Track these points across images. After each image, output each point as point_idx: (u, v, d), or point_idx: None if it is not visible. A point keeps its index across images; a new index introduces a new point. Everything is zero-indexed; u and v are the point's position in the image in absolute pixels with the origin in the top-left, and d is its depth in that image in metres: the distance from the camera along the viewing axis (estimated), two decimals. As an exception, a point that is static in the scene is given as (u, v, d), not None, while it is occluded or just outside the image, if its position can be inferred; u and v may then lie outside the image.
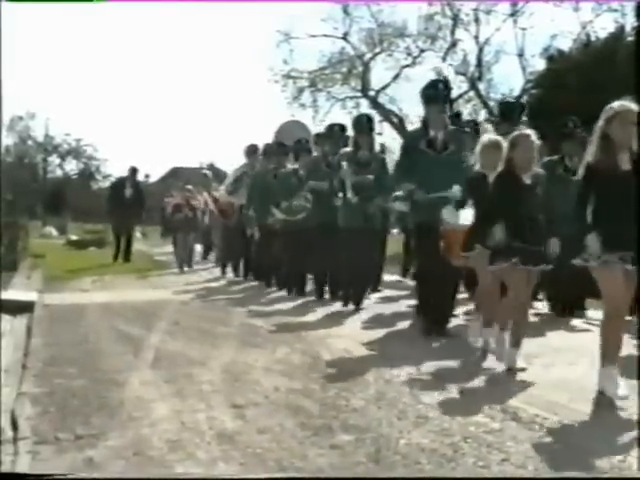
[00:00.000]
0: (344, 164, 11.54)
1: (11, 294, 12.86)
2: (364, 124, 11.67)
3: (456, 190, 8.79)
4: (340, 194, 11.45)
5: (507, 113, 10.81)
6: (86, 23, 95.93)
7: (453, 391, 6.48)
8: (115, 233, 22.36)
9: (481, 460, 4.66)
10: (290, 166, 14.46)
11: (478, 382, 6.93)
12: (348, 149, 12.06)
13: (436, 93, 9.37)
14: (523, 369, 7.14)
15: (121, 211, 21.61)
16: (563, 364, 7.58)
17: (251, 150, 16.71)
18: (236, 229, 17.00)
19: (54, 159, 74.19)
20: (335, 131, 13.16)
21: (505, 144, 7.60)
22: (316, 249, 12.62)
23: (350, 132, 12.89)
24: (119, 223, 21.98)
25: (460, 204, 8.62)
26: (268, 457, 4.78)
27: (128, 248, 21.97)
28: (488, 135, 8.59)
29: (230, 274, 18.01)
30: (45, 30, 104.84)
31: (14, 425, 5.50)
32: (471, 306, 9.61)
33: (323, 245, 12.28)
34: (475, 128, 11.45)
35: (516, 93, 31.31)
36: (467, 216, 8.41)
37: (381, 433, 5.23)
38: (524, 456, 4.74)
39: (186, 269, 19.44)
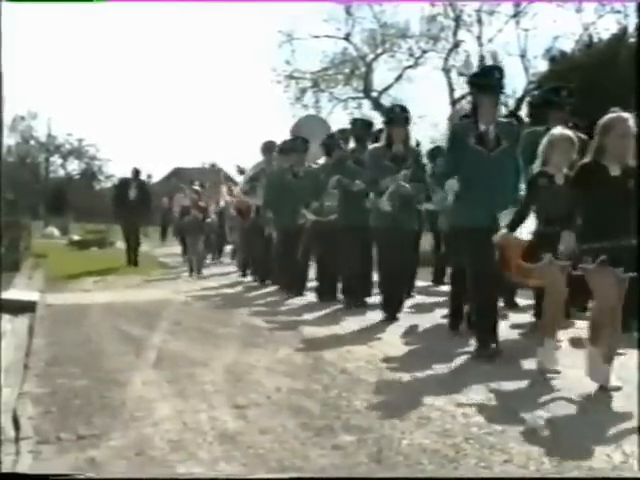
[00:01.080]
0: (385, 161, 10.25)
1: (13, 294, 12.87)
2: (398, 115, 10.43)
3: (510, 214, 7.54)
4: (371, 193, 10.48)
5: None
6: (89, 23, 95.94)
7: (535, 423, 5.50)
8: (125, 235, 21.27)
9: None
10: (319, 162, 13.46)
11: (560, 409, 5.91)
12: (378, 144, 10.73)
13: (491, 81, 8.04)
14: (618, 388, 6.27)
15: (126, 212, 20.79)
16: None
17: (268, 147, 15.73)
18: (254, 230, 15.88)
19: (56, 159, 74.19)
20: (361, 125, 12.44)
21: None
22: (348, 252, 11.67)
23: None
24: (126, 224, 21.11)
25: (520, 217, 7.37)
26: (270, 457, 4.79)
27: (135, 250, 20.99)
28: (559, 129, 7.45)
29: (248, 277, 17.07)
30: (47, 30, 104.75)
31: (16, 425, 5.51)
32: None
33: (355, 248, 11.50)
34: (518, 122, 9.97)
35: (519, 94, 31.31)
36: (527, 227, 7.39)
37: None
38: None
39: (194, 274, 18.05)
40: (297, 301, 12.80)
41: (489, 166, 7.92)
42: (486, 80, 8.07)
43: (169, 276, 18.40)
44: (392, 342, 8.82)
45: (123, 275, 17.73)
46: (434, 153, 13.08)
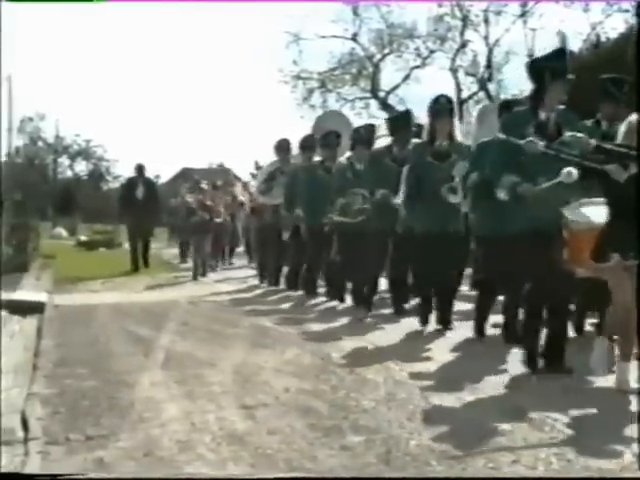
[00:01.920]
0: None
1: (21, 295, 12.88)
2: (443, 106, 9.43)
3: (570, 174, 6.54)
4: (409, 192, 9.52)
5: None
6: (96, 24, 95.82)
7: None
8: (131, 238, 20.06)
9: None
10: (343, 158, 12.36)
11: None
12: (419, 140, 9.98)
13: (563, 64, 7.11)
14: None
15: (134, 213, 19.41)
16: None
17: (283, 145, 15.04)
18: (269, 231, 15.17)
19: (64, 160, 74.41)
20: (403, 119, 11.46)
21: None
22: (382, 257, 11.02)
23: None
24: (134, 226, 19.79)
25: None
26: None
27: (146, 252, 20.00)
28: (635, 116, 6.69)
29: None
30: (55, 31, 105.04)
31: (25, 426, 5.51)
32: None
33: (393, 252, 10.89)
34: None
35: (527, 94, 31.24)
36: (599, 213, 6.62)
37: None
38: None
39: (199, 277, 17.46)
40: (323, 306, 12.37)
41: (550, 159, 6.83)
42: (557, 63, 7.09)
43: (179, 280, 17.57)
44: (444, 360, 7.87)
45: (131, 277, 17.62)
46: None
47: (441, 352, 8.18)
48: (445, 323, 9.41)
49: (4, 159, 37.01)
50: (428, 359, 7.89)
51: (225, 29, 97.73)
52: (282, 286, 14.88)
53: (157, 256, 23.56)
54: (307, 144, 13.92)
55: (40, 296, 12.83)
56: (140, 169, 20.14)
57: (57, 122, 74.94)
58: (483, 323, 8.94)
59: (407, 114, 11.79)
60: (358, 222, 10.71)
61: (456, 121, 9.91)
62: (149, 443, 5.05)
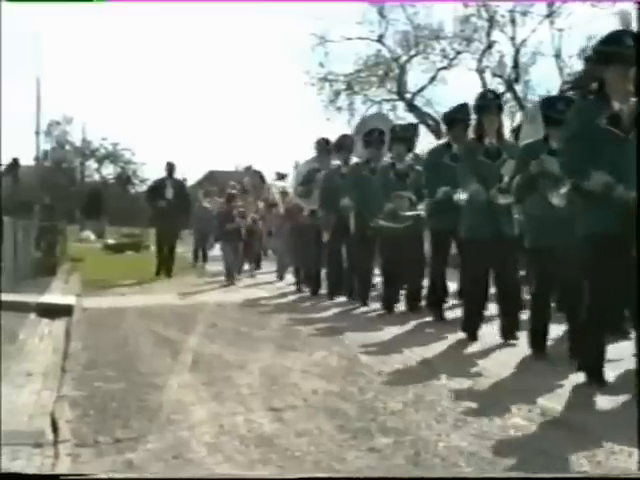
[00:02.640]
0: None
1: (50, 298, 12.97)
2: (490, 101, 8.83)
3: None
4: (463, 194, 8.83)
5: None
6: (123, 26, 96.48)
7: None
8: (158, 242, 19.35)
9: None
10: (386, 159, 11.94)
11: None
12: (469, 138, 9.39)
13: (624, 49, 6.36)
14: None
15: (162, 216, 18.47)
16: None
17: (323, 144, 14.31)
18: (308, 235, 14.29)
19: (91, 163, 74.86)
20: (462, 112, 10.50)
21: None
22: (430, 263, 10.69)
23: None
24: (162, 230, 18.96)
25: None
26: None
27: (170, 259, 18.72)
28: None
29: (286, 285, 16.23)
30: (83, 34, 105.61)
31: (54, 428, 5.53)
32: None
33: (438, 259, 10.54)
34: None
35: (553, 94, 31.10)
36: None
37: None
38: None
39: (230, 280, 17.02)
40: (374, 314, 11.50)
41: (626, 153, 6.24)
42: (617, 47, 6.41)
43: (209, 285, 17.00)
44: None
45: (159, 281, 17.59)
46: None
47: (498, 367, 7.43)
48: (508, 335, 8.58)
49: (32, 162, 37.26)
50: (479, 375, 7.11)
51: (252, 31, 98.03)
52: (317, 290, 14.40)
53: (185, 259, 23.37)
54: (343, 144, 13.51)
55: (68, 299, 12.92)
56: (170, 168, 19.17)
57: (84, 125, 75.28)
58: (541, 338, 7.87)
59: (466, 107, 10.48)
60: (404, 227, 10.52)
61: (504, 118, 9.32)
62: (178, 445, 5.06)
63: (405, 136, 11.51)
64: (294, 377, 7.06)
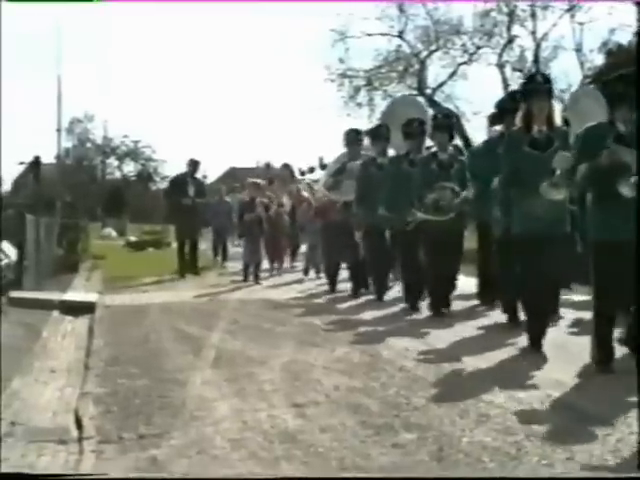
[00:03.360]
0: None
1: (72, 295, 13.03)
2: (540, 85, 7.90)
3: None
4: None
5: None
6: (142, 24, 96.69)
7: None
8: (179, 242, 18.14)
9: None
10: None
11: None
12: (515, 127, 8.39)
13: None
14: None
15: (183, 213, 17.45)
16: None
17: (352, 136, 13.57)
18: (341, 232, 13.24)
19: (112, 161, 75.01)
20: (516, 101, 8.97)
21: None
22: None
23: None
24: (183, 228, 17.92)
25: None
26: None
27: (194, 257, 17.99)
28: None
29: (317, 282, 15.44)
30: (103, 31, 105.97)
31: (78, 425, 5.55)
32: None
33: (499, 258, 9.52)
34: None
35: (574, 89, 30.97)
36: None
37: None
38: None
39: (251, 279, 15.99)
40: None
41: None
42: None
43: (231, 284, 15.94)
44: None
45: (181, 279, 17.08)
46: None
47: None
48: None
49: (54, 160, 37.40)
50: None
51: (272, 28, 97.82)
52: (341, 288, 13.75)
53: (206, 257, 22.37)
54: (379, 134, 12.57)
55: (91, 296, 12.97)
56: (194, 165, 18.21)
57: (105, 123, 75.39)
58: (606, 351, 7.01)
59: (514, 94, 9.65)
60: (447, 220, 9.89)
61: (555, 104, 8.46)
62: (202, 441, 5.06)
63: (447, 124, 10.96)
64: (322, 376, 7.04)
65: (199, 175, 19.71)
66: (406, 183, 10.72)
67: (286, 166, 22.46)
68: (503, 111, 9.96)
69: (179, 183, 18.18)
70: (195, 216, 17.77)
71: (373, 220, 11.86)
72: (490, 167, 9.27)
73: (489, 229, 9.79)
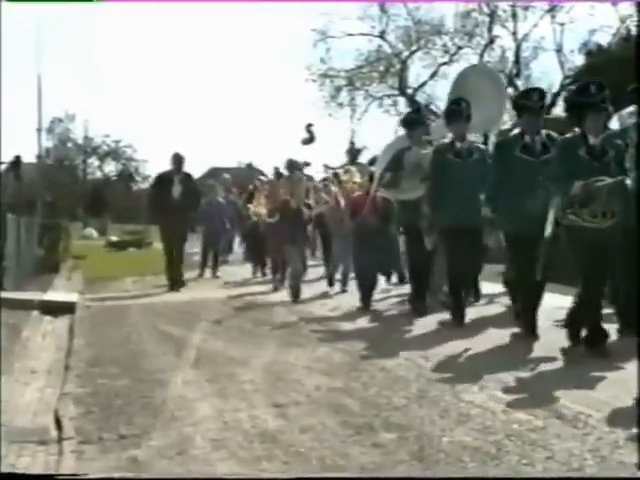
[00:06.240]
0: None
1: (53, 295, 12.99)
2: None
3: None
4: None
5: None
6: (123, 23, 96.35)
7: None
8: (166, 245, 15.46)
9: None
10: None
11: None
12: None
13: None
14: None
15: (169, 215, 14.86)
16: None
17: (412, 117, 11.12)
18: (380, 234, 11.09)
19: (93, 161, 74.70)
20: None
21: None
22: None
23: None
24: (168, 232, 15.36)
25: None
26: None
27: (179, 265, 15.33)
28: None
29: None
30: (84, 31, 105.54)
31: (58, 425, 5.54)
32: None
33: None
34: None
35: (555, 89, 31.14)
36: None
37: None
38: None
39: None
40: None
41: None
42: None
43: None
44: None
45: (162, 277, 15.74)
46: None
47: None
48: None
49: (35, 160, 37.25)
50: None
51: (253, 28, 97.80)
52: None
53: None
54: (457, 112, 9.64)
55: (71, 296, 12.93)
56: (179, 160, 15.51)
57: (86, 123, 75.05)
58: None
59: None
60: (606, 228, 7.20)
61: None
62: (182, 442, 5.06)
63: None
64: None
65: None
66: (525, 175, 8.13)
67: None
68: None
69: (164, 180, 15.66)
70: (183, 217, 15.20)
71: (460, 223, 9.14)
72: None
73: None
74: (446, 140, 9.84)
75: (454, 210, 9.13)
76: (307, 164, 14.66)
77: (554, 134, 8.24)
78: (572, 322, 7.43)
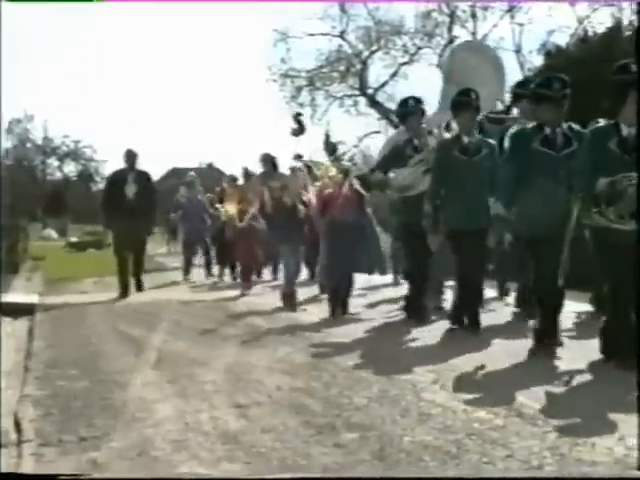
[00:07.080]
0: None
1: (12, 297, 12.88)
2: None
3: None
4: None
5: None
6: (84, 23, 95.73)
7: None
8: (118, 250, 13.99)
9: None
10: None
11: None
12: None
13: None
14: None
15: (123, 217, 13.51)
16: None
17: (412, 104, 9.99)
18: (355, 235, 10.27)
19: (53, 161, 74.37)
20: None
21: None
22: None
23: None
24: (122, 236, 13.89)
25: None
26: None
27: (139, 270, 14.30)
28: None
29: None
30: (43, 31, 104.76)
31: (17, 428, 5.50)
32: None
33: None
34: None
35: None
36: None
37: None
38: None
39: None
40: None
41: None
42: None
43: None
44: None
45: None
46: None
47: None
48: None
49: (-7, 161, 37.01)
50: None
51: (213, 28, 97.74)
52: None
53: (161, 265, 21.07)
54: (465, 103, 8.89)
55: (31, 298, 12.83)
56: (131, 157, 14.21)
57: (45, 123, 74.65)
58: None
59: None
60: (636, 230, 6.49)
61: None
62: (142, 443, 5.04)
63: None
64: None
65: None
66: (546, 171, 7.42)
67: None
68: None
69: (117, 179, 14.30)
70: (139, 219, 13.65)
71: (465, 226, 8.65)
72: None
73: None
74: (451, 134, 9.37)
75: (459, 212, 8.66)
76: (299, 156, 12.88)
77: (576, 126, 7.58)
78: (606, 336, 6.80)
